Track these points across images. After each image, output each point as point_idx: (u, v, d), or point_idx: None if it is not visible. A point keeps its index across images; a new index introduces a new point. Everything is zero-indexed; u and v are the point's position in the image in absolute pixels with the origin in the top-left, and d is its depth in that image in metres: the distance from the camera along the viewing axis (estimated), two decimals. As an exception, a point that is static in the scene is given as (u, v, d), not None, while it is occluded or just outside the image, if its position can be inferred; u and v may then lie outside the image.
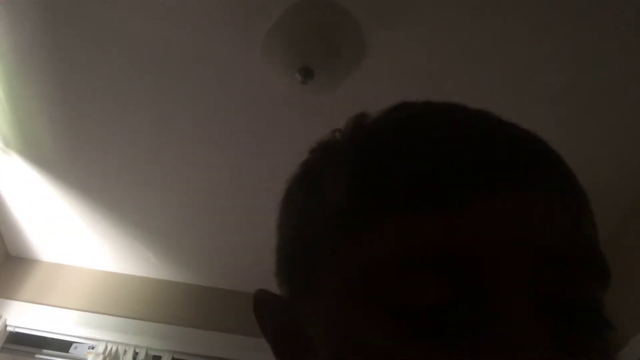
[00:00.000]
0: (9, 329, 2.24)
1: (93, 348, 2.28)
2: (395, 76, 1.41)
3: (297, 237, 0.32)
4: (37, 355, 2.29)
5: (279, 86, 1.46)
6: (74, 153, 1.84)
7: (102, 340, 2.22)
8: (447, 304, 0.22)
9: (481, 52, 1.32)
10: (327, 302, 0.27)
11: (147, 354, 2.21)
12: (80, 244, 2.31)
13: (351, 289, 0.25)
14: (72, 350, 2.38)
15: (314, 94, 1.35)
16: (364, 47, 1.32)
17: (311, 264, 0.29)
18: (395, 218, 0.24)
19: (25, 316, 2.24)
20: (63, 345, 2.34)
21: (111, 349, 2.19)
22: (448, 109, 0.30)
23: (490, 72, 1.37)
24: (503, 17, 1.24)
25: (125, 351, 2.19)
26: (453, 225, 0.23)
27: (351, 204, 0.27)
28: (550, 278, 0.23)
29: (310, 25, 1.25)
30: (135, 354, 2.20)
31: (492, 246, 0.23)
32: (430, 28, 1.28)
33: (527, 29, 1.26)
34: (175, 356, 2.26)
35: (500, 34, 1.28)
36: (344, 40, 1.27)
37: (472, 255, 0.22)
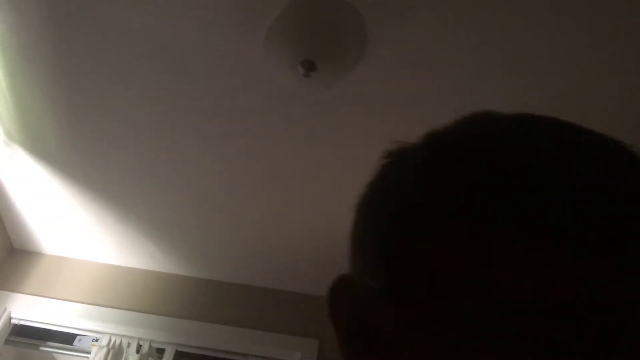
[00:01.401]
0: (13, 321, 2.26)
1: (97, 340, 2.30)
2: (398, 70, 1.40)
3: (382, 232, 0.30)
4: (41, 348, 2.30)
5: (282, 79, 1.46)
6: (78, 147, 1.85)
7: (106, 333, 2.23)
8: (575, 340, 0.21)
9: (485, 49, 1.32)
10: (425, 307, 0.26)
11: (150, 346, 2.22)
12: (84, 237, 2.32)
13: (462, 310, 0.24)
14: (76, 343, 2.40)
15: (317, 87, 1.35)
16: (367, 40, 1.31)
17: (400, 267, 0.28)
18: (518, 250, 0.23)
19: (30, 309, 2.25)
20: (67, 338, 2.36)
21: (115, 341, 2.20)
22: (550, 123, 0.28)
23: (493, 69, 1.36)
24: (507, 14, 1.23)
25: (128, 344, 2.21)
26: (598, 272, 0.21)
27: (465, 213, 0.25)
28: None
29: (313, 18, 1.24)
30: (139, 346, 2.21)
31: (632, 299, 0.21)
32: (434, 23, 1.27)
33: (530, 27, 1.25)
34: (179, 349, 2.27)
35: (504, 31, 1.27)
36: (348, 33, 1.26)
37: (613, 307, 0.21)
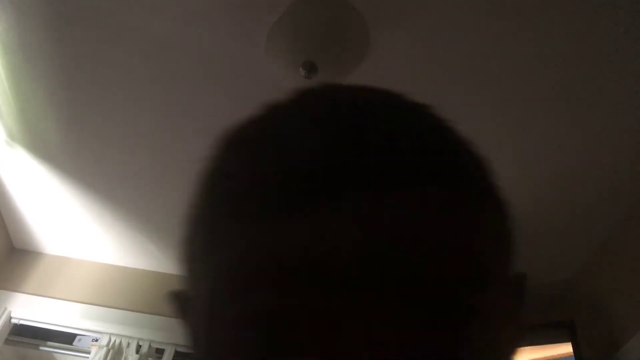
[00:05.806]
0: (13, 320, 2.26)
1: (97, 340, 2.30)
2: (399, 72, 1.41)
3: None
4: (41, 347, 2.31)
5: (283, 81, 1.46)
6: (79, 147, 1.85)
7: (106, 333, 2.23)
8: (280, 310, 0.23)
9: (483, 52, 1.32)
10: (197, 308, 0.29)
11: (150, 346, 2.22)
12: (84, 236, 2.33)
13: (208, 295, 0.27)
14: (76, 343, 2.40)
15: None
16: (368, 42, 1.32)
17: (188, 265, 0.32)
18: (236, 226, 0.25)
19: (29, 308, 2.25)
20: (67, 338, 2.36)
21: (115, 341, 2.20)
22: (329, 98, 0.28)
23: (491, 72, 1.37)
24: (505, 18, 1.23)
25: (128, 344, 2.21)
26: (280, 235, 0.23)
27: (204, 210, 0.29)
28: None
29: (315, 20, 1.25)
30: (139, 346, 2.22)
31: (304, 257, 0.23)
32: (434, 26, 1.28)
33: (528, 30, 1.25)
34: (178, 349, 2.27)
35: (502, 34, 1.27)
36: (349, 35, 1.27)
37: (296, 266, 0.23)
